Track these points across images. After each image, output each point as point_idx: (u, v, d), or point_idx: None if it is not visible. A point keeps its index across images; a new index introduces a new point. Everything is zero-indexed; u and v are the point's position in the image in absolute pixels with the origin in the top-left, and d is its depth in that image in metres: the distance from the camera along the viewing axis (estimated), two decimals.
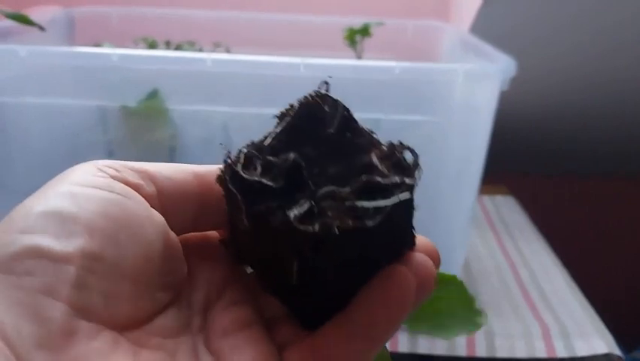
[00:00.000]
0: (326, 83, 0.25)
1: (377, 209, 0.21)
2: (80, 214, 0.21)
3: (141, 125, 0.56)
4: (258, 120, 0.54)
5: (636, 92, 0.90)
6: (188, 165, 0.26)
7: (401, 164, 0.22)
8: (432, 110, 0.55)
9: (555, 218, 0.97)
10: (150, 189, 0.24)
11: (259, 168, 0.22)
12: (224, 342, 0.23)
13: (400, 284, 0.22)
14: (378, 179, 0.21)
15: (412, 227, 0.24)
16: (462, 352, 0.58)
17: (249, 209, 0.22)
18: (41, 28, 0.61)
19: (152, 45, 0.74)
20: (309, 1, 0.98)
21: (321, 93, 0.24)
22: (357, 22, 0.76)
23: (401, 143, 0.23)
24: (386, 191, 0.21)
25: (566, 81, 0.90)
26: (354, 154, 0.23)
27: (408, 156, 0.23)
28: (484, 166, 0.60)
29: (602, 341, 0.60)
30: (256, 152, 0.23)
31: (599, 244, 1.14)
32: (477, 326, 0.32)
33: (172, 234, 0.24)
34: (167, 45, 0.76)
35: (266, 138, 0.24)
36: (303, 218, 0.21)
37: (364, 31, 0.75)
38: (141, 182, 0.24)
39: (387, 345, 0.26)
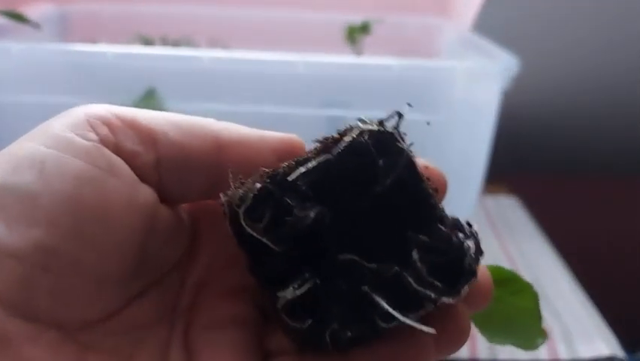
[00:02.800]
0: (399, 114, 0.18)
1: (393, 317, 0.16)
2: (43, 196, 0.18)
3: None
4: (256, 119, 0.53)
5: None
6: (213, 124, 0.22)
7: (449, 268, 0.17)
8: (432, 109, 0.55)
9: (559, 219, 0.96)
10: (148, 157, 0.20)
11: (267, 217, 0.17)
12: (204, 338, 0.20)
13: (415, 356, 0.19)
14: (410, 280, 0.17)
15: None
16: (464, 354, 0.57)
17: (246, 255, 0.18)
18: (35, 25, 0.60)
19: (148, 42, 0.73)
20: None
21: (381, 132, 0.18)
22: (357, 19, 0.75)
23: (470, 227, 0.18)
24: (414, 300, 0.17)
25: (572, 79, 0.89)
26: (400, 226, 0.18)
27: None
28: (486, 165, 0.59)
29: (605, 344, 0.59)
30: (273, 188, 0.18)
31: (603, 245, 1.13)
32: (534, 346, 0.29)
33: (165, 213, 0.21)
34: (164, 42, 0.75)
35: (294, 167, 0.18)
36: (297, 305, 0.16)
37: (364, 28, 0.74)
38: (138, 148, 0.20)
39: None
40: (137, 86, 0.53)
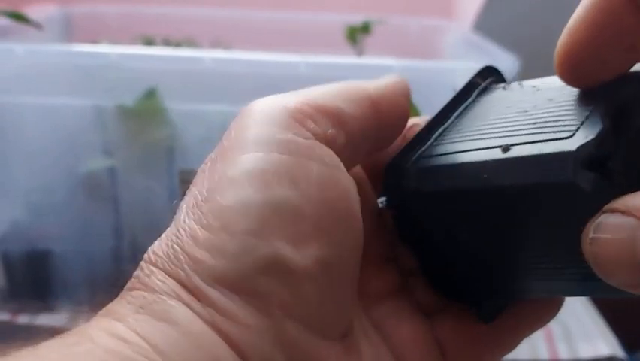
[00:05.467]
0: None
1: None
2: (305, 207, 0.17)
3: (139, 125, 0.55)
4: None
5: None
6: (360, 85, 0.21)
7: None
8: (433, 110, 0.55)
9: None
10: (341, 140, 0.20)
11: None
12: (380, 309, 0.21)
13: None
14: None
15: None
16: None
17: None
18: (38, 26, 0.60)
19: (150, 43, 0.73)
20: None
21: None
22: (359, 19, 0.76)
23: None
24: None
25: None
26: None
27: None
28: None
29: (605, 344, 0.59)
30: None
31: None
32: None
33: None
34: (166, 43, 0.75)
35: None
36: None
37: (365, 28, 0.74)
38: (334, 131, 0.19)
39: None
40: (139, 87, 0.54)
